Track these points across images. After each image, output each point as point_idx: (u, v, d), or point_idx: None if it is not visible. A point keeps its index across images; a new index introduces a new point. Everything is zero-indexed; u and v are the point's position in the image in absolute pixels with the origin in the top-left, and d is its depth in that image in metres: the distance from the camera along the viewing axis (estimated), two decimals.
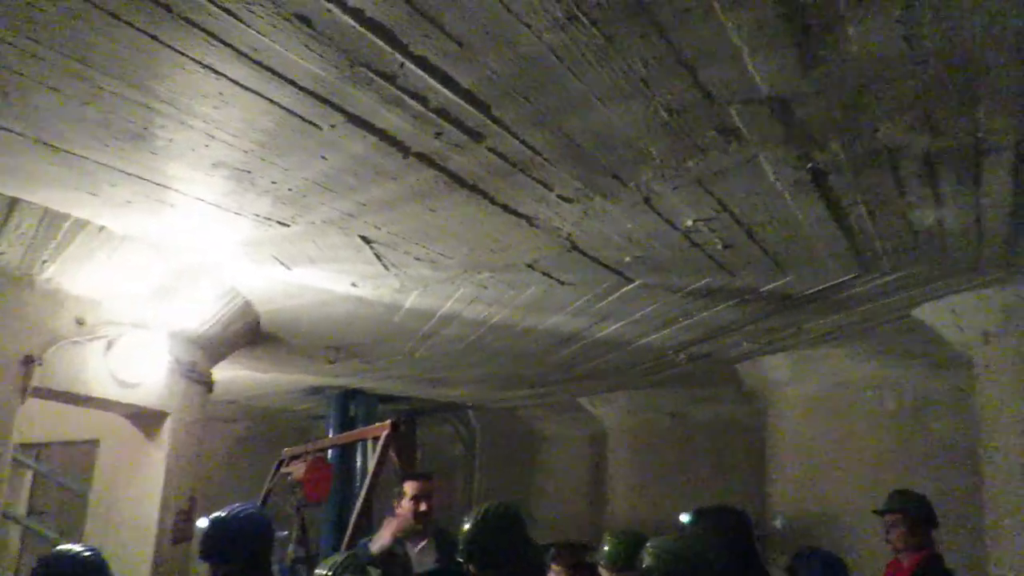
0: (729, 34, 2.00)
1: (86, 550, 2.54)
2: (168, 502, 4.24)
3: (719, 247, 3.67)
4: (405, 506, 3.59)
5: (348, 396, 8.59)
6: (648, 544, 2.33)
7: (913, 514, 3.77)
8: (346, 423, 8.47)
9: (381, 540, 3.49)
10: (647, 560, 2.26)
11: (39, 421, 5.22)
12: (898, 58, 2.10)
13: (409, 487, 3.62)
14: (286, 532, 5.89)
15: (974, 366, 4.78)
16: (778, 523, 6.40)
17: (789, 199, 3.09)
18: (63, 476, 6.03)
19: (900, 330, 5.38)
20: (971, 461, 5.08)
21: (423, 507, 3.57)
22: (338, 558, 2.81)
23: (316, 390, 8.41)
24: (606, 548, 2.94)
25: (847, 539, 5.92)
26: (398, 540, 3.54)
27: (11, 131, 2.54)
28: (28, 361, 3.30)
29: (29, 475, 6.18)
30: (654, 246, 3.67)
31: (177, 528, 4.29)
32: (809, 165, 2.78)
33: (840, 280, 4.23)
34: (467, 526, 2.53)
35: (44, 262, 3.38)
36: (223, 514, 2.86)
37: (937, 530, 3.87)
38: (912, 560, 3.77)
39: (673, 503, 8.29)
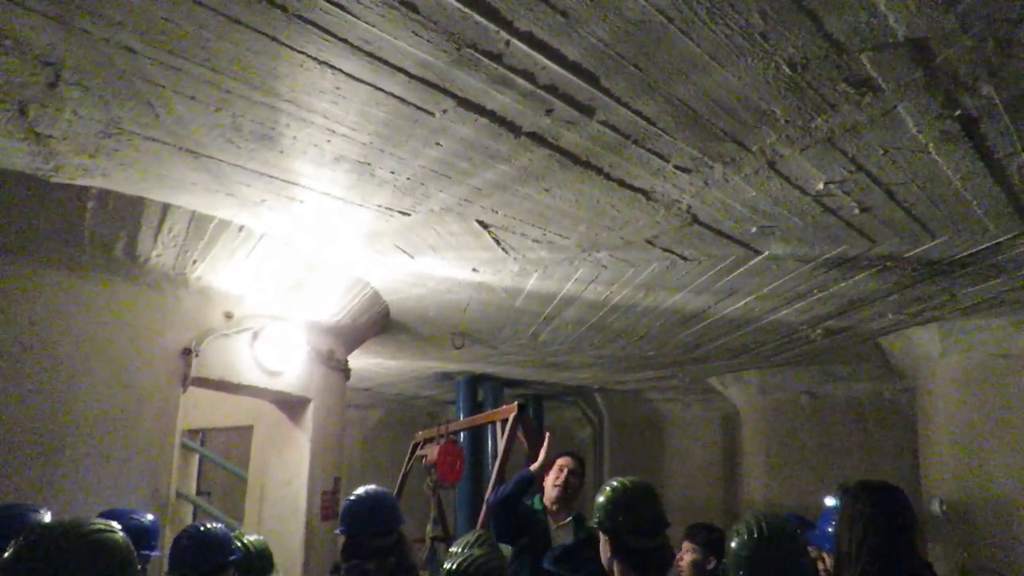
0: None
1: (216, 524, 2.83)
2: (314, 482, 4.53)
3: (855, 211, 3.42)
4: (552, 476, 3.70)
5: (476, 381, 8.80)
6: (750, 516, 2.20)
7: None
8: (475, 407, 8.69)
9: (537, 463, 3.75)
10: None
11: (202, 409, 5.74)
12: None
13: (561, 460, 3.73)
14: None
15: None
16: (935, 507, 5.92)
17: (934, 152, 2.82)
18: (225, 459, 6.57)
19: None
20: None
21: (572, 480, 3.67)
22: (471, 536, 2.86)
23: (446, 376, 8.67)
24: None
25: (1013, 525, 5.39)
26: (541, 511, 3.63)
27: (159, 141, 2.76)
28: (186, 353, 3.61)
29: (196, 458, 6.79)
30: (782, 214, 3.47)
31: (324, 506, 4.56)
32: (957, 113, 2.52)
33: (998, 240, 3.82)
34: (604, 496, 2.44)
35: (194, 261, 3.67)
36: (364, 493, 3.04)
37: None
38: None
39: (813, 486, 7.88)
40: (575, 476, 3.69)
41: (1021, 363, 5.68)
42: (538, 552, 3.42)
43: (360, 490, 3.11)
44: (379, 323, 5.48)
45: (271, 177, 3.10)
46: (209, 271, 3.76)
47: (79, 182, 3.13)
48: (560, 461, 3.73)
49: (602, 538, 2.44)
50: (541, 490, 3.83)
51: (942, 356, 6.08)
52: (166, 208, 3.39)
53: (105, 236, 3.35)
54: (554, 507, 3.67)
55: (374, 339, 6.07)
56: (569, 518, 3.70)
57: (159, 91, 2.40)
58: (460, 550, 2.77)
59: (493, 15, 1.99)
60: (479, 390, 8.90)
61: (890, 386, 7.88)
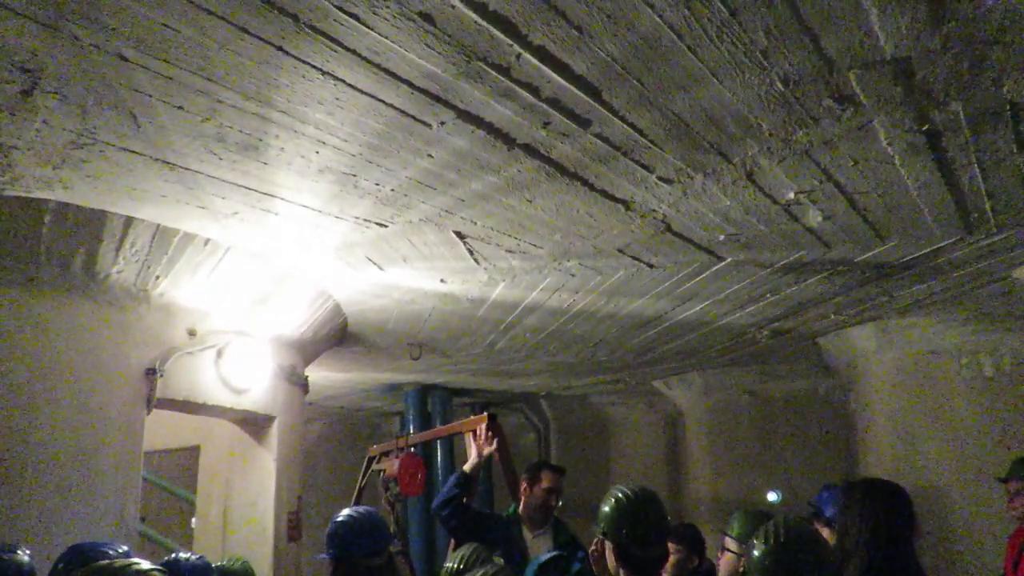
0: None
1: (196, 557, 2.73)
2: (281, 503, 4.37)
3: (819, 219, 3.58)
4: (537, 493, 3.68)
5: (425, 391, 8.70)
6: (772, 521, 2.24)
7: None
8: (424, 418, 8.59)
9: (472, 461, 3.94)
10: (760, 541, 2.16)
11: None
12: None
13: (547, 477, 3.71)
14: None
15: None
16: None
17: (899, 164, 2.99)
18: (168, 482, 6.26)
19: (997, 293, 5.17)
20: None
21: (554, 500, 3.67)
22: (466, 551, 2.84)
23: (393, 387, 8.54)
24: (736, 524, 2.92)
25: (946, 511, 5.74)
26: (517, 521, 3.62)
27: (134, 152, 2.63)
28: (150, 373, 3.43)
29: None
30: (751, 222, 3.60)
31: (290, 527, 4.41)
32: (925, 127, 2.68)
33: (941, 245, 4.08)
34: (609, 506, 2.46)
35: (157, 277, 3.50)
36: (356, 513, 2.97)
37: None
38: None
39: (755, 482, 8.18)
40: (561, 492, 3.71)
41: (949, 358, 6.07)
42: (512, 560, 3.40)
43: (347, 511, 3.05)
44: (337, 335, 5.36)
45: (248, 189, 2.99)
46: (172, 287, 3.59)
47: (37, 194, 2.94)
48: (549, 480, 3.72)
49: (607, 546, 2.47)
50: (518, 500, 3.83)
51: (877, 354, 6.43)
52: (128, 222, 3.23)
53: (63, 252, 3.16)
54: (536, 518, 3.69)
55: (328, 351, 5.93)
56: (543, 528, 3.72)
57: (145, 100, 2.29)
58: (458, 566, 2.74)
59: (510, 29, 1.99)
60: (428, 400, 8.81)
61: (826, 383, 8.26)
